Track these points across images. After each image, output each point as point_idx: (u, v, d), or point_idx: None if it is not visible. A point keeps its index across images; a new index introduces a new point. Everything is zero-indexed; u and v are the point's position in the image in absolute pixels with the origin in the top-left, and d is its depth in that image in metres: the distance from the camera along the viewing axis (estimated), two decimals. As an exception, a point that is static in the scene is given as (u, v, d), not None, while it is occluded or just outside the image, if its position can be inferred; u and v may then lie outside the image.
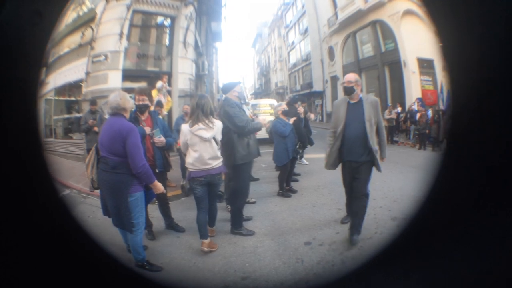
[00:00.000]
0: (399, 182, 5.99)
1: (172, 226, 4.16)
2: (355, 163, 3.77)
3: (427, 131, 10.42)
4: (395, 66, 14.91)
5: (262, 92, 36.85)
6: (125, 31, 9.81)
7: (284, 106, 5.97)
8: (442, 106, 11.65)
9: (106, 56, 9.60)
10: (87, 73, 9.52)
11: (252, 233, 4.01)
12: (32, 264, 1.25)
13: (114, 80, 9.50)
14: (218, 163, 3.58)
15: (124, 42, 9.82)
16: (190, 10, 11.09)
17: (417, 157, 9.23)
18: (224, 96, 4.13)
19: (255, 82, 40.99)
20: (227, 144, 3.87)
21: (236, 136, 3.89)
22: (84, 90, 9.56)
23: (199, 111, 3.49)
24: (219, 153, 3.60)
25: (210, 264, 3.34)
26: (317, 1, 22.76)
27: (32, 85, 1.34)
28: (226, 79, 27.26)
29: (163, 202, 4.13)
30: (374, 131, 3.75)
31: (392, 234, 1.57)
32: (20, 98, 1.27)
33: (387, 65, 15.79)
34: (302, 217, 4.62)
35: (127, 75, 9.77)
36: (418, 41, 13.39)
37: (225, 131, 3.76)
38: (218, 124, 3.59)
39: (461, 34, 1.22)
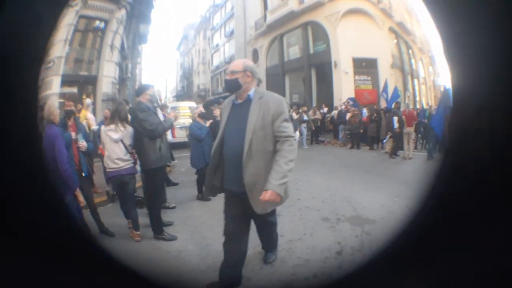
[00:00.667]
0: (328, 182, 6.09)
1: (103, 230, 4.28)
2: (235, 194, 2.69)
3: (361, 131, 11.01)
4: (323, 67, 15.49)
5: (184, 94, 36.25)
6: (69, 36, 10.14)
7: (200, 108, 6.02)
8: (385, 105, 12.38)
9: (53, 62, 9.76)
10: (42, 79, 9.15)
11: (174, 238, 4.06)
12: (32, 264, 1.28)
13: (55, 85, 9.66)
14: (126, 164, 3.97)
15: (67, 47, 10.11)
16: (122, 13, 11.61)
17: (349, 157, 9.75)
18: (137, 99, 4.20)
19: (177, 84, 40.22)
20: (138, 149, 4.00)
21: (147, 140, 3.94)
22: (39, 96, 8.90)
23: (116, 116, 3.96)
24: (126, 156, 3.97)
25: (139, 268, 3.13)
26: (247, 4, 23.18)
27: (32, 87, 1.39)
28: (148, 81, 26.69)
29: (92, 208, 4.27)
30: (269, 149, 2.52)
31: (393, 236, 1.60)
32: (20, 100, 1.30)
33: (314, 67, 16.36)
34: (223, 220, 4.36)
35: (65, 80, 10.04)
36: (358, 40, 14.02)
37: (137, 136, 3.98)
38: (128, 129, 4.00)
39: (462, 32, 1.25)
